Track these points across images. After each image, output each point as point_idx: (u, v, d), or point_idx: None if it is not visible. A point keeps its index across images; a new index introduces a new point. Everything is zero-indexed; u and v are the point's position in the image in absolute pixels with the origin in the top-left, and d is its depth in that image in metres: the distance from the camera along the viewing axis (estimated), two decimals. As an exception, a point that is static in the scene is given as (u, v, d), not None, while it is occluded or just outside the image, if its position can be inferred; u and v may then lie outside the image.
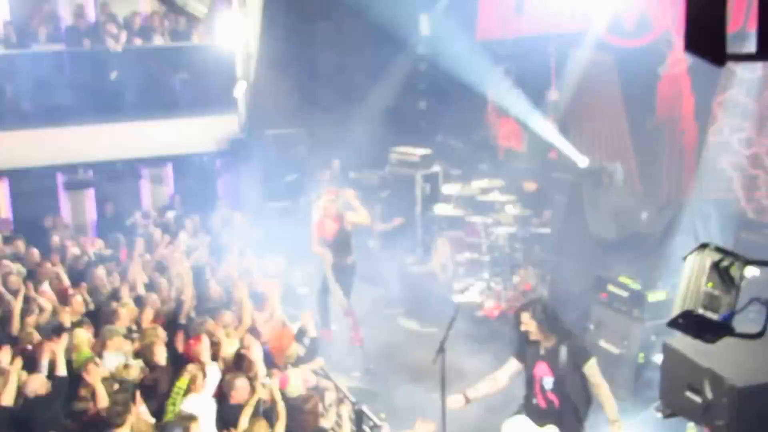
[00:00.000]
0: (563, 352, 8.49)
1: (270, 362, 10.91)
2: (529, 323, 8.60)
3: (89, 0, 20.32)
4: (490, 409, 10.35)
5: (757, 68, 12.53)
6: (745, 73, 12.87)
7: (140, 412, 9.30)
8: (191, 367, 9.94)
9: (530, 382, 8.82)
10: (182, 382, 9.74)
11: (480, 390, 9.12)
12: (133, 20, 20.01)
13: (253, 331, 11.80)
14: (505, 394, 9.33)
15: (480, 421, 10.73)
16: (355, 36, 18.80)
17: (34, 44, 18.70)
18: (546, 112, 17.45)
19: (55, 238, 16.48)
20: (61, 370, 9.66)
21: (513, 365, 9.01)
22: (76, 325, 11.45)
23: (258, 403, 9.69)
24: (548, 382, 8.60)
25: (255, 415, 9.41)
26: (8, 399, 9.15)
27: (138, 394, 9.63)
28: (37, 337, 11.04)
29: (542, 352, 8.64)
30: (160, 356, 10.51)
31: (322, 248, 14.15)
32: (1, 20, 19.05)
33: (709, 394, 5.71)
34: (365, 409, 10.64)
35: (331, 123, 18.39)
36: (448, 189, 17.33)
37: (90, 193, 20.07)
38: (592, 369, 8.50)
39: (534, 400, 8.81)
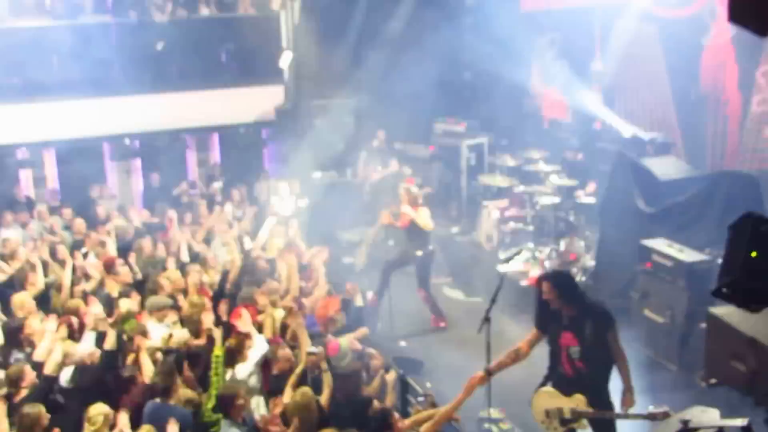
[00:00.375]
0: (586, 320, 8.65)
1: (315, 331, 11.03)
2: (549, 293, 8.76)
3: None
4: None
5: (801, 38, 12.50)
6: (791, 43, 12.88)
7: (187, 380, 9.48)
8: (234, 337, 10.07)
9: (556, 352, 8.99)
10: (219, 351, 9.82)
11: (502, 363, 9.19)
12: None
13: (299, 300, 11.88)
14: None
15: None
16: (401, 5, 18.79)
17: (81, 15, 18.78)
18: (590, 82, 17.50)
19: (101, 209, 16.48)
20: (110, 344, 9.66)
21: (534, 335, 9.14)
22: (122, 295, 11.56)
23: (304, 372, 9.73)
24: (575, 351, 8.75)
25: (301, 384, 9.35)
26: (53, 368, 9.11)
27: (186, 363, 9.82)
28: (83, 306, 10.93)
29: (566, 321, 8.79)
30: (206, 326, 10.56)
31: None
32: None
33: (753, 363, 5.75)
34: (410, 378, 10.72)
35: (376, 94, 18.41)
36: (493, 159, 17.46)
37: (136, 164, 20.15)
38: (614, 336, 8.64)
39: (561, 370, 8.97)
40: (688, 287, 11.70)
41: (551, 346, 9.04)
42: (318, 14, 19.01)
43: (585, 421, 8.67)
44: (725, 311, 5.89)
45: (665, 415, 7.66)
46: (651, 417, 7.84)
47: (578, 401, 8.70)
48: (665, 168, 14.45)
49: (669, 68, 15.66)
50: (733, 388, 6.05)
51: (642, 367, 10.43)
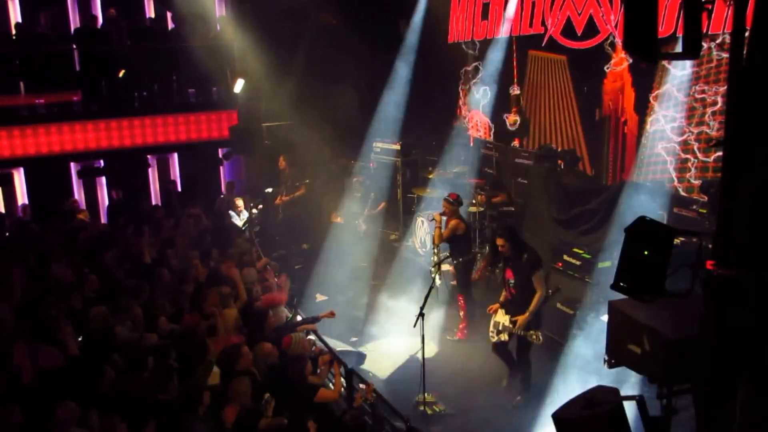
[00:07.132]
0: (522, 261, 11.13)
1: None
2: (503, 245, 11.26)
3: (96, 3, 20.28)
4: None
5: (686, 66, 12.97)
6: (677, 71, 13.29)
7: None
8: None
9: (503, 282, 11.65)
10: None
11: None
12: (139, 23, 20.10)
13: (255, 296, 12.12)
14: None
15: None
16: (342, 38, 18.93)
17: (46, 45, 18.65)
18: (509, 105, 17.83)
19: (70, 222, 16.06)
20: (73, 350, 9.53)
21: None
22: (91, 302, 11.21)
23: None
24: (511, 281, 11.32)
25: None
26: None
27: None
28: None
29: (510, 261, 11.30)
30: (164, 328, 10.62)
31: None
32: (14, 21, 19.16)
33: (647, 346, 5.97)
34: (355, 369, 10.93)
35: (321, 117, 18.52)
36: (425, 173, 17.73)
37: (101, 180, 20.11)
38: (536, 279, 11.06)
39: (504, 294, 11.54)
40: (593, 282, 12.05)
41: (501, 277, 12.23)
42: (267, 46, 19.02)
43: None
44: (624, 302, 6.13)
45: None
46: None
47: (504, 319, 11.30)
48: (573, 180, 14.80)
49: (576, 92, 16.00)
50: (630, 368, 6.29)
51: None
